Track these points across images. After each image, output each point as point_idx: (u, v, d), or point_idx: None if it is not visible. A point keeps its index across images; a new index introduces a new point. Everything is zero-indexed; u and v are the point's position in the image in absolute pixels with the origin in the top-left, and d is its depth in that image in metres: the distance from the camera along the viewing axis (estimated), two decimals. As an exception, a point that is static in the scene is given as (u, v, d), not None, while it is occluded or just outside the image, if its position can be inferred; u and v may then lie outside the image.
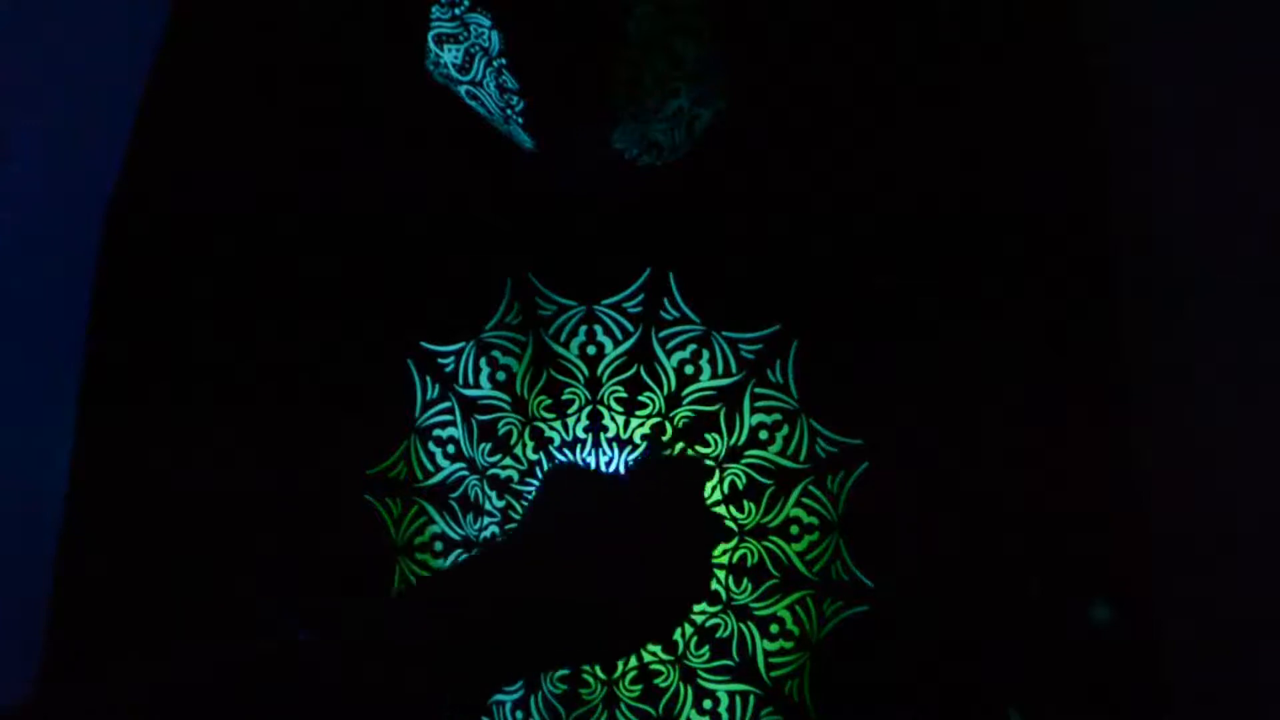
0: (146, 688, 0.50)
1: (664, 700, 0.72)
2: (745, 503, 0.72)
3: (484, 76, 0.70)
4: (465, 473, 0.74)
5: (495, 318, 0.73)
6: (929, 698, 0.70)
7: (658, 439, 0.72)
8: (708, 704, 0.71)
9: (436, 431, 0.74)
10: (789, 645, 0.71)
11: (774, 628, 0.71)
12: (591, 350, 0.73)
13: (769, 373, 0.72)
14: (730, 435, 0.72)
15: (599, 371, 0.73)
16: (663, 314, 0.73)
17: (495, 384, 0.73)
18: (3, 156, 0.82)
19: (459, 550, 0.74)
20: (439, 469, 0.74)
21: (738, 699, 0.71)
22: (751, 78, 0.71)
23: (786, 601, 0.71)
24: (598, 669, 0.72)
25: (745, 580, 0.71)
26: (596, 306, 0.73)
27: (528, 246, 0.73)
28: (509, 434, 0.73)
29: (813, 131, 0.72)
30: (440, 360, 0.74)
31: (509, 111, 0.70)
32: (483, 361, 0.73)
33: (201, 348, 0.73)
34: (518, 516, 0.73)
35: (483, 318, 0.74)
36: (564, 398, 0.73)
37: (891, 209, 0.71)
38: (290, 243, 0.73)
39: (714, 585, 0.72)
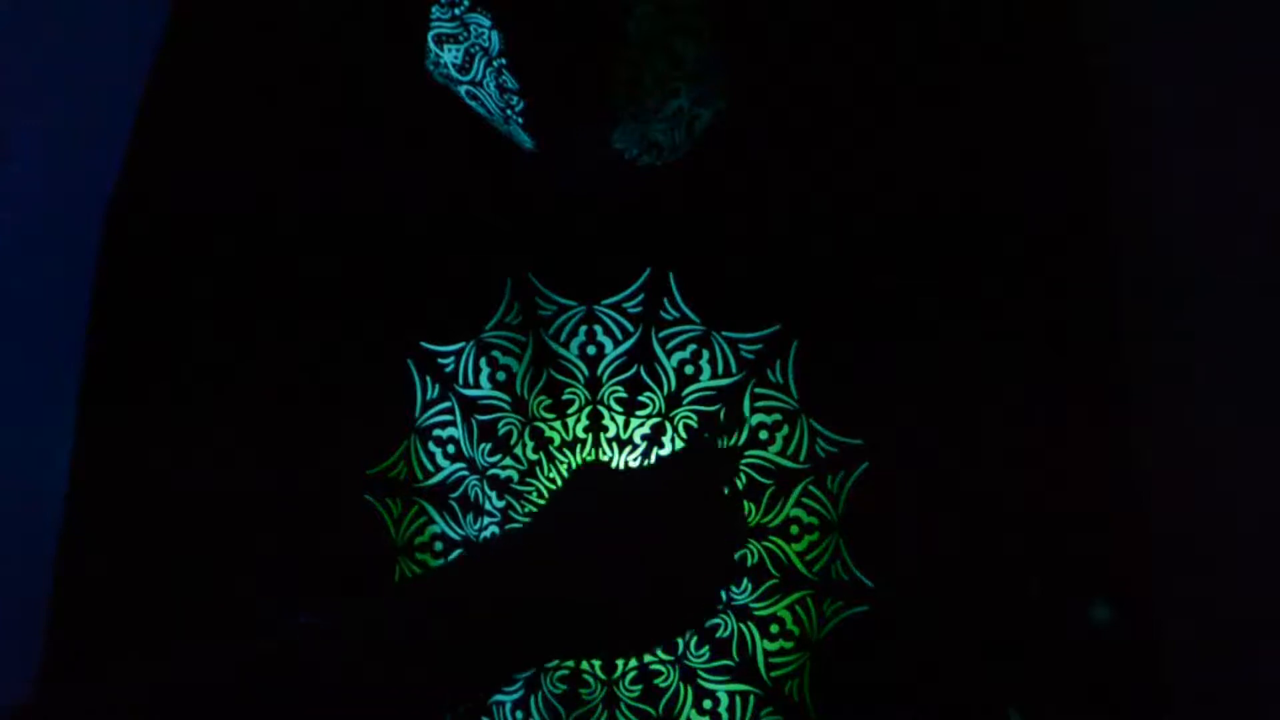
0: (147, 687, 0.50)
1: (664, 700, 0.72)
2: (745, 503, 0.72)
3: (484, 76, 0.70)
4: (465, 473, 0.74)
5: (495, 318, 0.73)
6: (929, 698, 0.70)
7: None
8: (708, 704, 0.71)
9: (436, 431, 0.74)
10: (789, 645, 0.71)
11: (774, 628, 0.71)
12: (591, 350, 0.73)
13: (769, 373, 0.72)
14: (730, 435, 0.72)
15: (599, 371, 0.73)
16: (663, 314, 0.73)
17: (495, 384, 0.73)
18: (3, 156, 0.82)
19: (459, 550, 0.74)
20: (439, 469, 0.74)
21: (738, 699, 0.71)
22: (751, 78, 0.71)
23: (786, 601, 0.71)
24: (598, 669, 0.72)
25: (745, 580, 0.71)
26: (596, 306, 0.73)
27: (528, 246, 0.73)
28: (509, 434, 0.73)
29: (813, 131, 0.72)
30: (440, 360, 0.74)
31: (509, 111, 0.70)
32: (483, 361, 0.73)
33: (201, 348, 0.73)
34: (518, 516, 0.73)
35: (483, 318, 0.74)
36: (564, 398, 0.73)
37: (891, 209, 0.71)
38: (290, 243, 0.73)
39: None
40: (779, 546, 0.71)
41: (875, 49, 0.72)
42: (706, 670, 0.72)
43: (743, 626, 0.71)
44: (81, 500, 0.72)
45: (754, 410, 0.72)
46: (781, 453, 0.72)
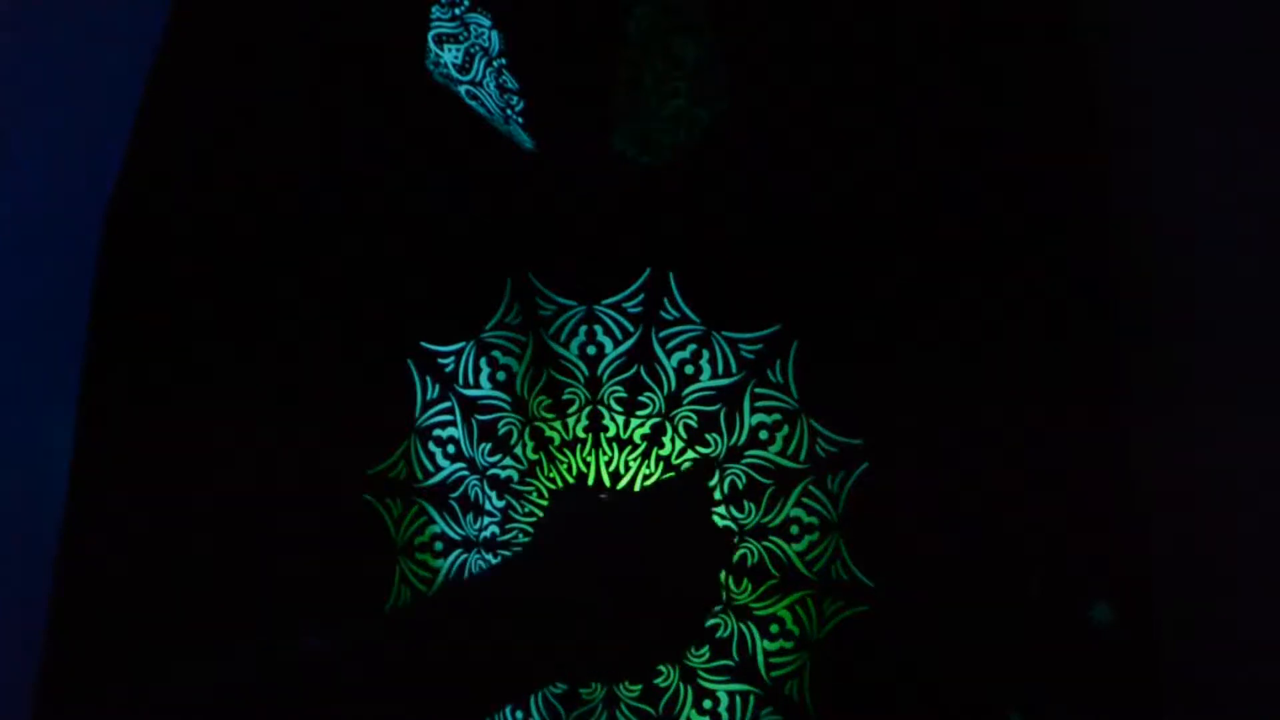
0: (151, 703, 0.50)
1: (664, 700, 0.72)
2: (745, 503, 0.72)
3: (484, 76, 0.70)
4: (465, 473, 0.74)
5: (495, 318, 0.73)
6: (929, 698, 0.70)
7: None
8: (708, 704, 0.71)
9: (436, 431, 0.74)
10: (789, 645, 0.71)
11: (774, 628, 0.71)
12: (591, 350, 0.73)
13: (769, 373, 0.72)
14: (730, 435, 0.72)
15: (599, 371, 0.73)
16: (663, 314, 0.73)
17: (495, 384, 0.73)
18: (3, 156, 0.82)
19: (459, 550, 0.74)
20: (439, 469, 0.74)
21: (738, 699, 0.71)
22: (752, 78, 0.71)
23: (786, 601, 0.71)
24: (598, 669, 0.72)
25: (745, 580, 0.71)
26: (596, 306, 0.73)
27: (528, 246, 0.73)
28: (509, 434, 0.73)
29: (813, 131, 0.72)
30: (440, 360, 0.74)
31: (509, 111, 0.70)
32: (483, 361, 0.73)
33: (202, 348, 0.73)
34: (518, 516, 0.73)
35: (483, 318, 0.73)
36: (564, 398, 0.73)
37: (891, 209, 0.71)
38: (290, 243, 0.73)
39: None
40: (779, 546, 0.71)
41: (875, 48, 0.72)
42: (706, 670, 0.72)
43: (743, 626, 0.71)
44: (81, 500, 0.72)
45: (754, 410, 0.72)
46: (781, 453, 0.72)
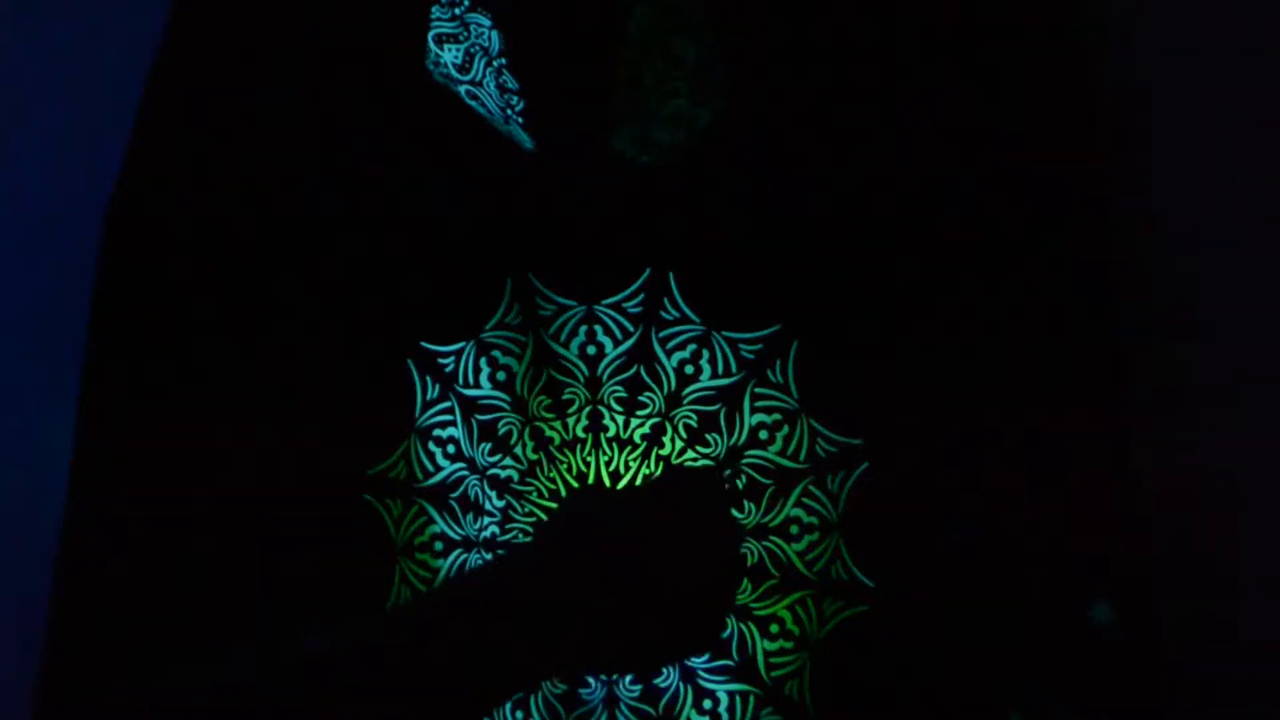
0: (151, 703, 0.50)
1: (664, 700, 0.72)
2: (745, 503, 0.72)
3: (484, 76, 0.70)
4: (465, 473, 0.74)
5: (495, 318, 0.73)
6: (929, 698, 0.70)
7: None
8: (708, 704, 0.71)
9: (436, 431, 0.74)
10: (789, 645, 0.71)
11: (774, 628, 0.71)
12: (591, 350, 0.73)
13: (769, 373, 0.72)
14: (730, 435, 0.72)
15: (599, 371, 0.73)
16: (663, 314, 0.73)
17: (495, 384, 0.73)
18: (3, 156, 0.82)
19: (459, 550, 0.74)
20: (439, 469, 0.74)
21: (738, 699, 0.71)
22: (752, 78, 0.71)
23: (786, 601, 0.71)
24: (598, 669, 0.72)
25: (745, 580, 0.71)
26: (596, 306, 0.73)
27: (528, 246, 0.73)
28: (509, 434, 0.73)
29: (813, 131, 0.72)
30: (440, 360, 0.74)
31: (509, 111, 0.70)
32: (483, 361, 0.73)
33: (202, 348, 0.73)
34: (518, 516, 0.73)
35: (483, 318, 0.73)
36: (564, 398, 0.73)
37: (892, 209, 0.71)
38: (290, 243, 0.73)
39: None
40: (779, 546, 0.71)
41: (875, 48, 0.72)
42: (706, 670, 0.72)
43: (743, 626, 0.71)
44: (81, 500, 0.72)
45: (754, 410, 0.72)
46: (781, 453, 0.72)
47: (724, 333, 0.72)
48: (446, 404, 0.74)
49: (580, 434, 0.73)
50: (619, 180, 0.72)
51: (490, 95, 0.71)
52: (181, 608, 0.71)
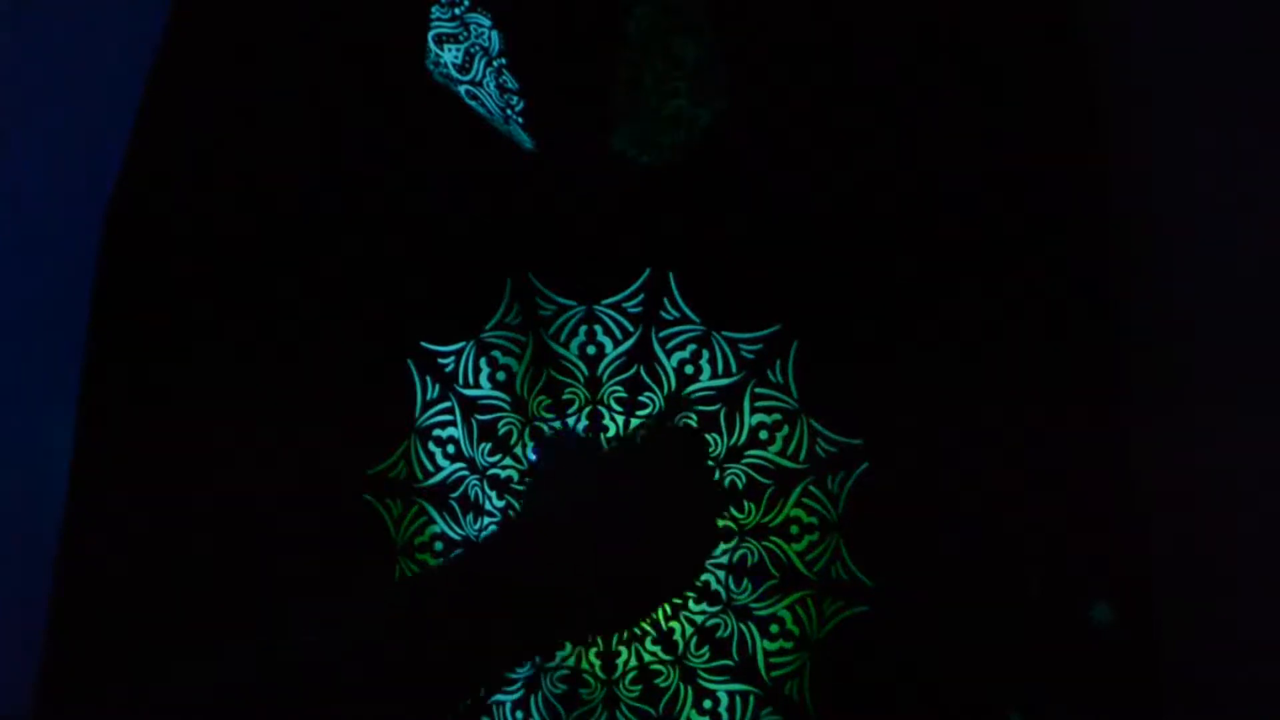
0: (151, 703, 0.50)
1: (664, 700, 0.72)
2: (745, 503, 0.72)
3: (484, 76, 0.70)
4: (465, 473, 0.74)
5: (495, 318, 0.73)
6: (929, 698, 0.70)
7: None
8: (708, 704, 0.71)
9: (436, 431, 0.74)
10: (789, 645, 0.71)
11: (774, 628, 0.71)
12: (591, 350, 0.73)
13: (769, 373, 0.72)
14: (730, 435, 0.72)
15: (599, 371, 0.73)
16: (663, 314, 0.73)
17: (495, 384, 0.73)
18: (3, 156, 0.82)
19: (459, 550, 0.74)
20: (439, 469, 0.74)
21: (738, 699, 0.71)
22: (752, 78, 0.71)
23: (786, 601, 0.71)
24: (598, 669, 0.72)
25: (745, 580, 0.71)
26: (596, 306, 0.73)
27: (528, 246, 0.73)
28: (509, 434, 0.73)
29: (812, 131, 0.72)
30: (440, 360, 0.74)
31: (509, 111, 0.70)
32: (483, 361, 0.73)
33: (201, 348, 0.73)
34: (518, 516, 0.73)
35: (483, 318, 0.74)
36: (564, 398, 0.73)
37: (892, 210, 0.71)
38: (290, 243, 0.73)
39: (714, 585, 0.72)
40: (779, 546, 0.71)
41: (875, 48, 0.72)
42: (706, 670, 0.72)
43: (743, 626, 0.71)
44: (81, 500, 0.72)
45: (754, 410, 0.72)
46: (781, 453, 0.72)
47: (724, 333, 0.72)
48: (446, 404, 0.74)
49: (580, 434, 0.73)
50: (619, 180, 0.72)
51: (490, 95, 0.71)
52: (181, 608, 0.71)
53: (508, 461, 0.73)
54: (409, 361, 0.74)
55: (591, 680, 0.72)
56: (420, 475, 0.74)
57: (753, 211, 0.72)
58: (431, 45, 0.72)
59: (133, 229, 0.74)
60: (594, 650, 0.72)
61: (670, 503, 0.65)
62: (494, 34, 0.69)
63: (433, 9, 0.71)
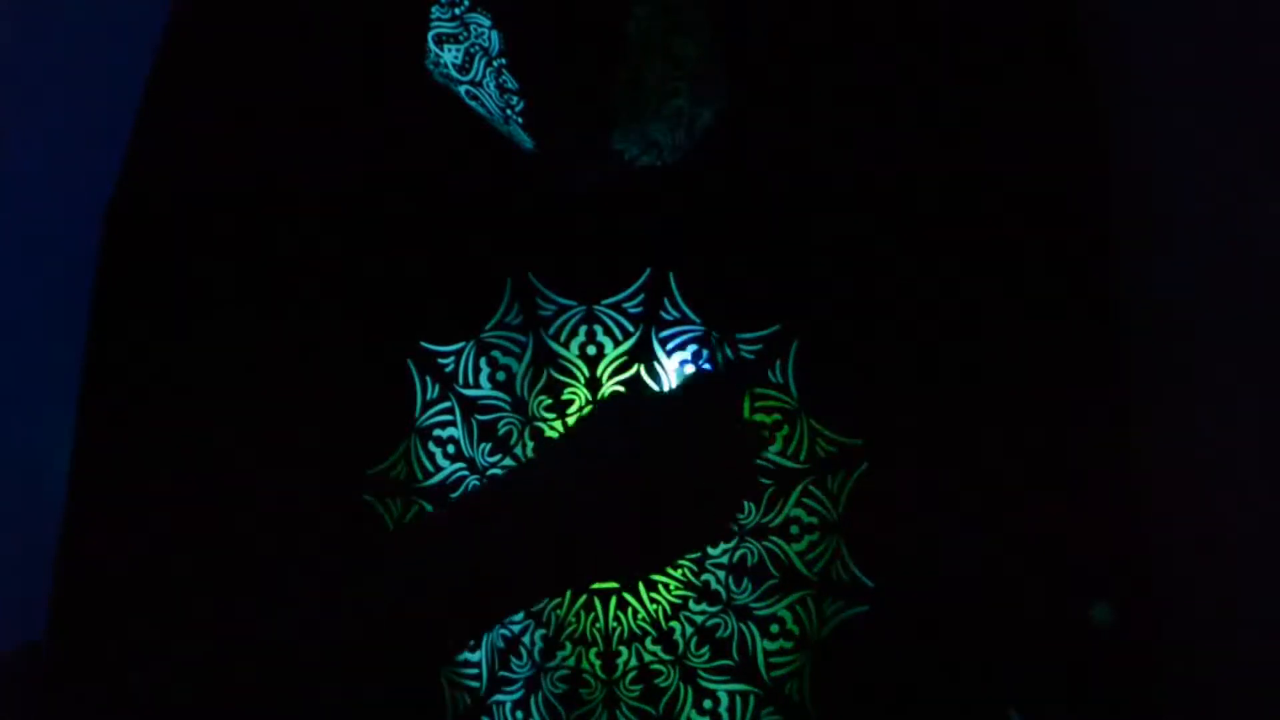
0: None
1: (664, 700, 0.72)
2: (745, 503, 0.72)
3: (484, 76, 0.70)
4: (465, 473, 0.74)
5: (495, 318, 0.73)
6: (929, 698, 0.70)
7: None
8: (708, 704, 0.71)
9: (436, 431, 0.74)
10: (789, 645, 0.71)
11: (774, 628, 0.71)
12: (591, 350, 0.73)
13: (769, 373, 0.72)
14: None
15: (599, 371, 0.73)
16: (663, 314, 0.73)
17: (495, 384, 0.73)
18: (3, 156, 0.83)
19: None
20: (439, 469, 0.74)
21: (738, 699, 0.71)
22: (752, 77, 0.71)
23: (786, 601, 0.71)
24: (598, 668, 0.72)
25: (745, 580, 0.71)
26: (596, 306, 0.73)
27: (528, 246, 0.73)
28: (509, 434, 0.73)
29: (812, 131, 0.72)
30: (440, 360, 0.74)
31: (509, 111, 0.70)
32: (483, 361, 0.73)
33: (201, 348, 0.73)
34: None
35: (483, 318, 0.74)
36: (564, 398, 0.73)
37: (892, 209, 0.71)
38: (290, 243, 0.73)
39: (714, 585, 0.72)
40: (779, 546, 0.71)
41: (875, 50, 0.72)
42: (706, 670, 0.72)
43: (743, 626, 0.71)
44: (82, 500, 0.72)
45: (754, 410, 0.72)
46: (781, 453, 0.72)
47: (724, 333, 0.72)
48: (446, 404, 0.74)
49: (580, 434, 0.73)
50: (619, 180, 0.72)
51: (490, 95, 0.71)
52: (181, 608, 0.71)
53: (508, 461, 0.73)
54: (409, 361, 0.74)
55: (591, 680, 0.72)
56: (420, 475, 0.74)
57: (753, 211, 0.72)
58: (431, 45, 0.72)
59: (133, 229, 0.74)
60: (594, 650, 0.72)
61: (711, 448, 0.65)
62: (494, 34, 0.69)
63: (433, 9, 0.71)
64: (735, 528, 0.71)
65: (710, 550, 0.72)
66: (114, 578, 0.72)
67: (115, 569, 0.72)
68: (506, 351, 0.73)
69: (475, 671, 0.73)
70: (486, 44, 0.70)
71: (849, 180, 0.71)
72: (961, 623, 0.70)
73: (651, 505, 0.62)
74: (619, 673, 0.72)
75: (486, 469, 0.73)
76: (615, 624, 0.72)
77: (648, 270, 0.73)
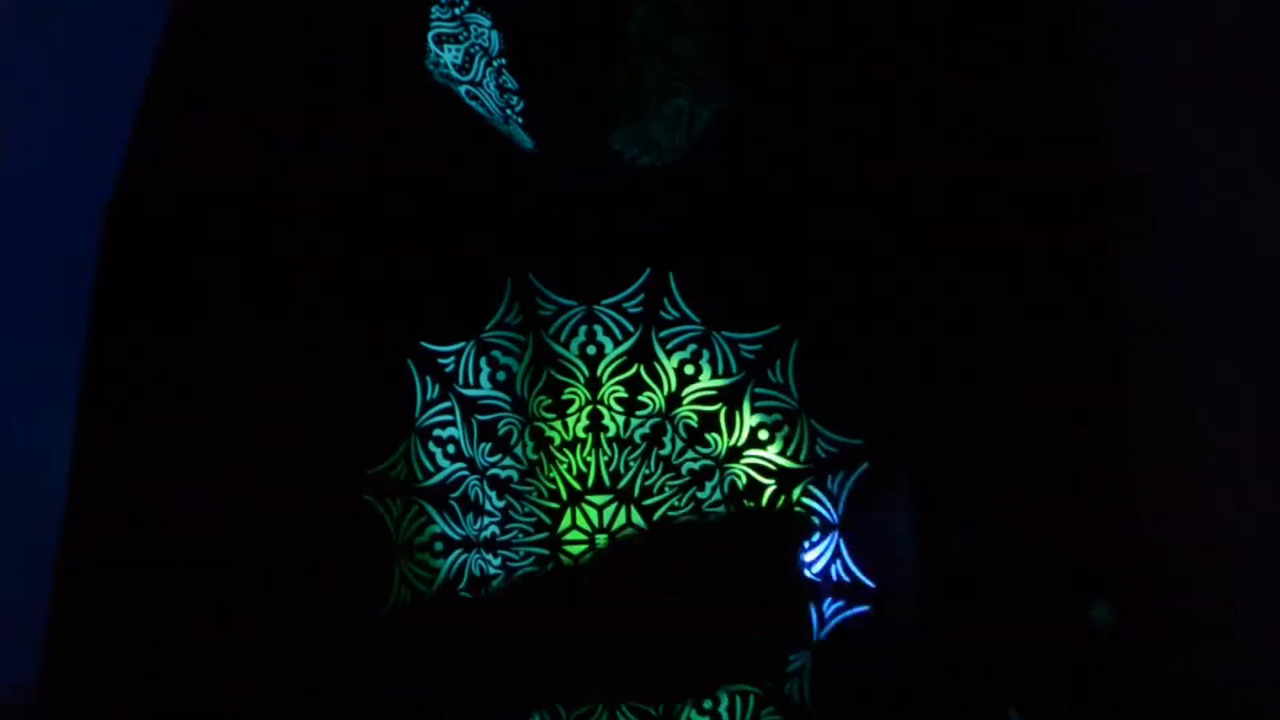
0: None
1: (664, 700, 0.72)
2: (745, 503, 0.72)
3: (484, 76, 0.70)
4: (465, 473, 0.74)
5: (495, 318, 0.73)
6: (929, 698, 0.70)
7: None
8: (708, 704, 0.71)
9: (436, 431, 0.74)
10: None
11: (774, 628, 0.71)
12: (591, 350, 0.73)
13: (769, 373, 0.72)
14: (730, 435, 0.72)
15: (599, 371, 0.73)
16: (663, 314, 0.73)
17: (495, 384, 0.73)
18: (3, 156, 0.82)
19: (459, 550, 0.74)
20: (439, 469, 0.74)
21: (738, 699, 0.71)
22: (752, 77, 0.71)
23: (786, 601, 0.71)
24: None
25: (745, 580, 0.71)
26: (596, 306, 0.73)
27: (528, 246, 0.73)
28: (509, 434, 0.73)
29: (813, 131, 0.72)
30: (440, 360, 0.74)
31: (509, 111, 0.70)
32: (483, 361, 0.73)
33: (201, 348, 0.73)
34: (518, 516, 0.73)
35: (483, 318, 0.73)
36: (564, 398, 0.73)
37: (892, 209, 0.71)
38: (290, 243, 0.73)
39: None
40: (779, 546, 0.71)
41: (875, 49, 0.72)
42: (706, 670, 0.72)
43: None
44: (81, 500, 0.72)
45: (754, 410, 0.72)
46: (781, 453, 0.72)
47: (724, 333, 0.72)
48: (446, 404, 0.74)
49: (580, 434, 0.73)
50: (619, 180, 0.72)
51: (490, 95, 0.71)
52: (181, 608, 0.71)
53: (508, 461, 0.73)
54: (409, 361, 0.74)
55: (591, 680, 0.72)
56: (420, 475, 0.74)
57: (753, 211, 0.72)
58: (431, 45, 0.72)
59: (133, 229, 0.74)
60: (594, 650, 0.72)
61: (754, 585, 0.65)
62: (494, 34, 0.69)
63: (433, 9, 0.71)
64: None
65: None
66: (114, 578, 0.72)
67: (115, 569, 0.72)
68: (506, 351, 0.73)
69: (475, 671, 0.73)
70: (486, 44, 0.70)
71: (849, 180, 0.71)
72: (961, 623, 0.70)
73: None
74: (619, 673, 0.72)
75: (486, 469, 0.73)
76: (615, 624, 0.72)
77: (648, 270, 0.73)
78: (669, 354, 0.73)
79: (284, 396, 0.73)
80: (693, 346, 0.72)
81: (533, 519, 0.73)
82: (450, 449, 0.74)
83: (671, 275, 0.72)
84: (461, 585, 0.73)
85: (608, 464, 0.73)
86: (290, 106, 0.74)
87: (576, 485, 0.73)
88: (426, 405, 0.74)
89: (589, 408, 0.73)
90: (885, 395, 0.71)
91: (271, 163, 0.74)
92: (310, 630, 0.72)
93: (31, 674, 0.71)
